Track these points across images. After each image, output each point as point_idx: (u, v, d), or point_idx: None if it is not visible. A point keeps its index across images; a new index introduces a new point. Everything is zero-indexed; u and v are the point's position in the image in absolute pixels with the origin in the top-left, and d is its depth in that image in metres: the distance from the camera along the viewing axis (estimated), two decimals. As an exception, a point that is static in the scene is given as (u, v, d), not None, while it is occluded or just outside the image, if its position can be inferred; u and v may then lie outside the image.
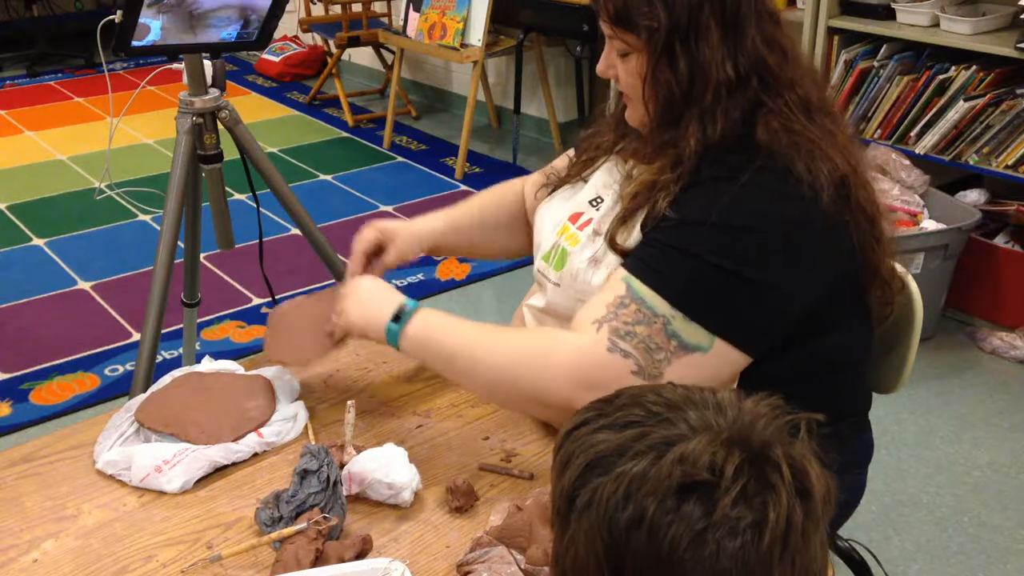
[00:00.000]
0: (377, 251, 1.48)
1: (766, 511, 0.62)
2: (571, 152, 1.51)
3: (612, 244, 1.23)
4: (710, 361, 1.16)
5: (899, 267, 1.43)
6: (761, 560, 0.62)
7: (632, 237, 1.22)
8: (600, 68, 1.28)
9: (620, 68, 1.24)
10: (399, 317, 1.26)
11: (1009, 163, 2.82)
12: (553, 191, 1.44)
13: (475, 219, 1.56)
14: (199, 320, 2.53)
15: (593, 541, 0.65)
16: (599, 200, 1.33)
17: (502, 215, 1.57)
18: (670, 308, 1.14)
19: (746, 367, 1.20)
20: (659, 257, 1.17)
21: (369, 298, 1.31)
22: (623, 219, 1.23)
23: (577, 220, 1.33)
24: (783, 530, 0.62)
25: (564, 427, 0.75)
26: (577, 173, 1.41)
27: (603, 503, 0.65)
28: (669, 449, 0.65)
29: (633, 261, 1.19)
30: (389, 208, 3.99)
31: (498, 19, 4.21)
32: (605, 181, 1.35)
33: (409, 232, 1.50)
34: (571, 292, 1.29)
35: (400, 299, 1.28)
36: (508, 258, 1.63)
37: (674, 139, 1.20)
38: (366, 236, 1.48)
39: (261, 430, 1.31)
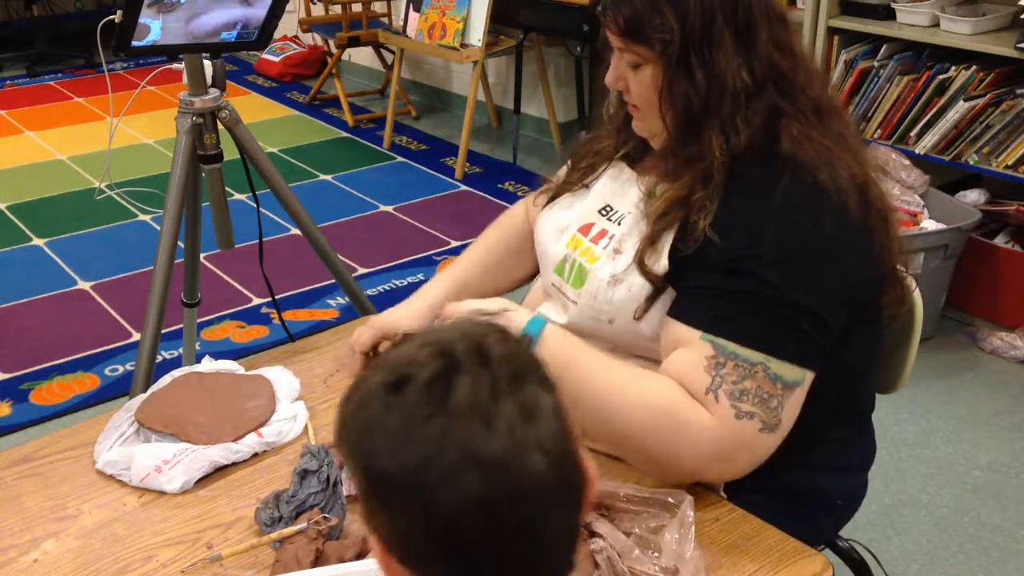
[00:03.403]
0: (376, 350, 1.38)
1: (450, 384, 0.68)
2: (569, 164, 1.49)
3: (642, 268, 1.21)
4: (804, 389, 1.17)
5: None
6: (453, 422, 0.67)
7: (661, 262, 1.20)
8: (609, 80, 1.25)
9: (632, 80, 1.22)
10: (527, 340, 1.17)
11: (1009, 163, 2.82)
12: (553, 199, 1.41)
13: (481, 268, 1.51)
14: (199, 320, 2.53)
15: (341, 448, 0.73)
16: (610, 209, 1.31)
17: (511, 248, 1.52)
18: (761, 355, 1.14)
19: None
20: (728, 307, 1.15)
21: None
22: (652, 240, 1.21)
23: (589, 231, 1.31)
24: (469, 399, 0.68)
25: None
26: (578, 180, 1.38)
27: (342, 421, 0.73)
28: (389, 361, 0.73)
29: (701, 317, 1.16)
30: (389, 208, 3.99)
31: (498, 19, 4.21)
32: (612, 188, 1.33)
33: (410, 321, 1.40)
34: (589, 311, 1.27)
35: (520, 325, 1.19)
36: (526, 284, 1.56)
37: (699, 153, 1.18)
38: (364, 337, 1.37)
39: (261, 430, 1.31)
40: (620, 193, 1.31)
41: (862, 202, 1.18)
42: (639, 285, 1.21)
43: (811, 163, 1.16)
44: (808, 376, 1.17)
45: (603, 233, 1.29)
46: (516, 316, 1.21)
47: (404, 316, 1.41)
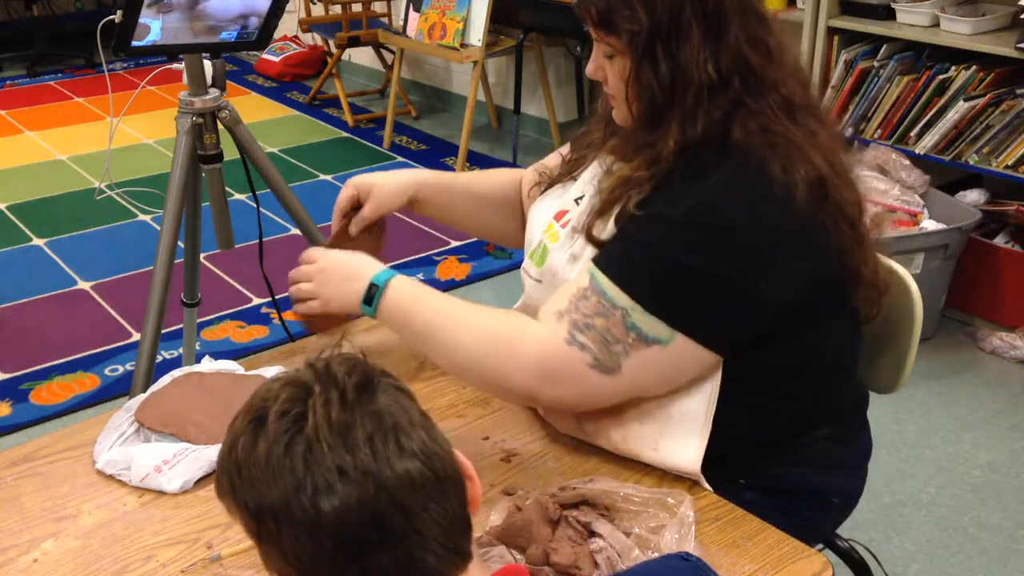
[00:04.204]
0: (357, 208, 1.49)
1: (304, 407, 0.73)
2: (563, 150, 1.50)
3: (589, 237, 1.23)
4: (670, 354, 1.17)
5: (899, 267, 1.43)
6: (315, 441, 0.72)
7: (607, 231, 1.22)
8: (589, 70, 1.28)
9: (608, 70, 1.24)
10: (370, 300, 1.28)
11: (1009, 163, 2.82)
12: (545, 190, 1.44)
13: (463, 187, 1.56)
14: (199, 320, 2.53)
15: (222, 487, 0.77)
16: (583, 198, 1.33)
17: (495, 191, 1.56)
18: (630, 300, 1.15)
19: (726, 365, 1.20)
20: (624, 250, 1.18)
21: (340, 277, 1.33)
22: (600, 212, 1.23)
23: (562, 218, 1.34)
24: (325, 416, 0.72)
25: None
26: (567, 172, 1.41)
27: (219, 457, 0.78)
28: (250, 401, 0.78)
29: (600, 254, 1.20)
30: (389, 208, 3.99)
31: (498, 19, 4.21)
32: (591, 179, 1.35)
33: (387, 183, 1.49)
34: (550, 287, 1.29)
35: (368, 277, 1.29)
36: (491, 239, 1.63)
37: (654, 140, 1.20)
38: (344, 195, 1.49)
39: (261, 430, 1.31)
40: (593, 182, 1.33)
41: (817, 198, 1.16)
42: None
43: (763, 153, 1.15)
44: (679, 339, 1.16)
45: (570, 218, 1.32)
46: (369, 267, 1.30)
47: (380, 177, 1.49)
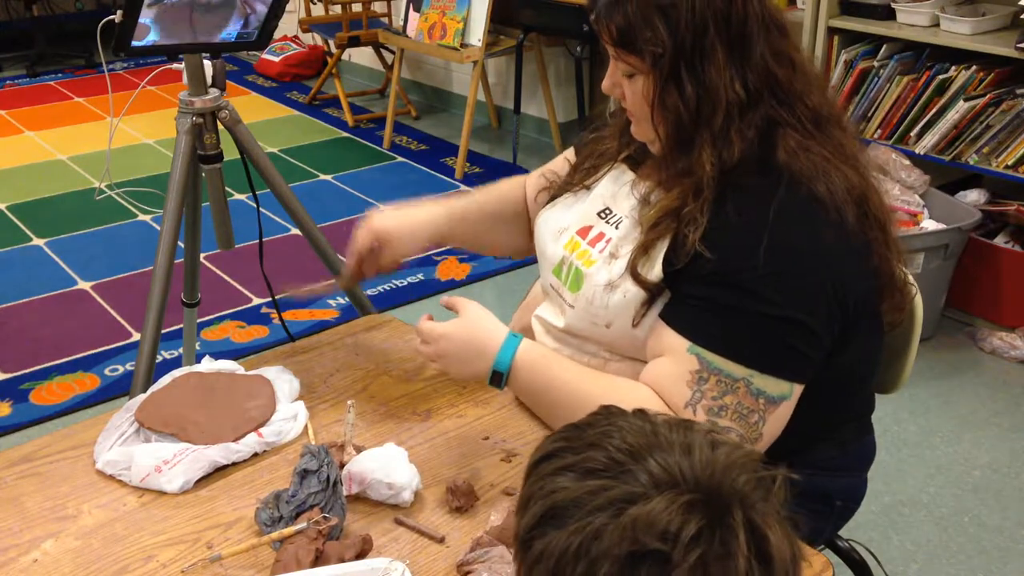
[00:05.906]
0: (373, 250, 1.45)
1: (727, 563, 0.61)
2: (568, 153, 1.49)
3: (635, 276, 1.21)
4: (792, 403, 1.18)
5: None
6: None
7: (655, 269, 1.20)
8: (605, 86, 1.25)
9: (626, 88, 1.22)
10: (498, 382, 1.27)
11: (1009, 163, 2.82)
12: (554, 197, 1.42)
13: (478, 211, 1.52)
14: (199, 320, 2.53)
15: None
16: (608, 212, 1.31)
17: (507, 210, 1.54)
18: (745, 369, 1.15)
19: None
20: (718, 320, 1.16)
21: (460, 360, 1.28)
22: (645, 248, 1.21)
23: (587, 234, 1.31)
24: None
25: (533, 455, 0.74)
26: (580, 182, 1.38)
27: (554, 556, 0.64)
28: (626, 509, 0.63)
29: (691, 328, 1.17)
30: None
31: (498, 19, 4.21)
32: (612, 191, 1.33)
33: (404, 231, 1.44)
34: (586, 315, 1.28)
35: (489, 360, 1.25)
36: (509, 256, 1.60)
37: (689, 166, 1.18)
38: (361, 239, 1.44)
39: (261, 430, 1.31)
40: (620, 196, 1.31)
41: (860, 214, 1.18)
42: (634, 291, 1.22)
43: (808, 175, 1.15)
44: (796, 389, 1.18)
45: (600, 236, 1.30)
46: (485, 346, 1.26)
47: (398, 222, 1.44)
